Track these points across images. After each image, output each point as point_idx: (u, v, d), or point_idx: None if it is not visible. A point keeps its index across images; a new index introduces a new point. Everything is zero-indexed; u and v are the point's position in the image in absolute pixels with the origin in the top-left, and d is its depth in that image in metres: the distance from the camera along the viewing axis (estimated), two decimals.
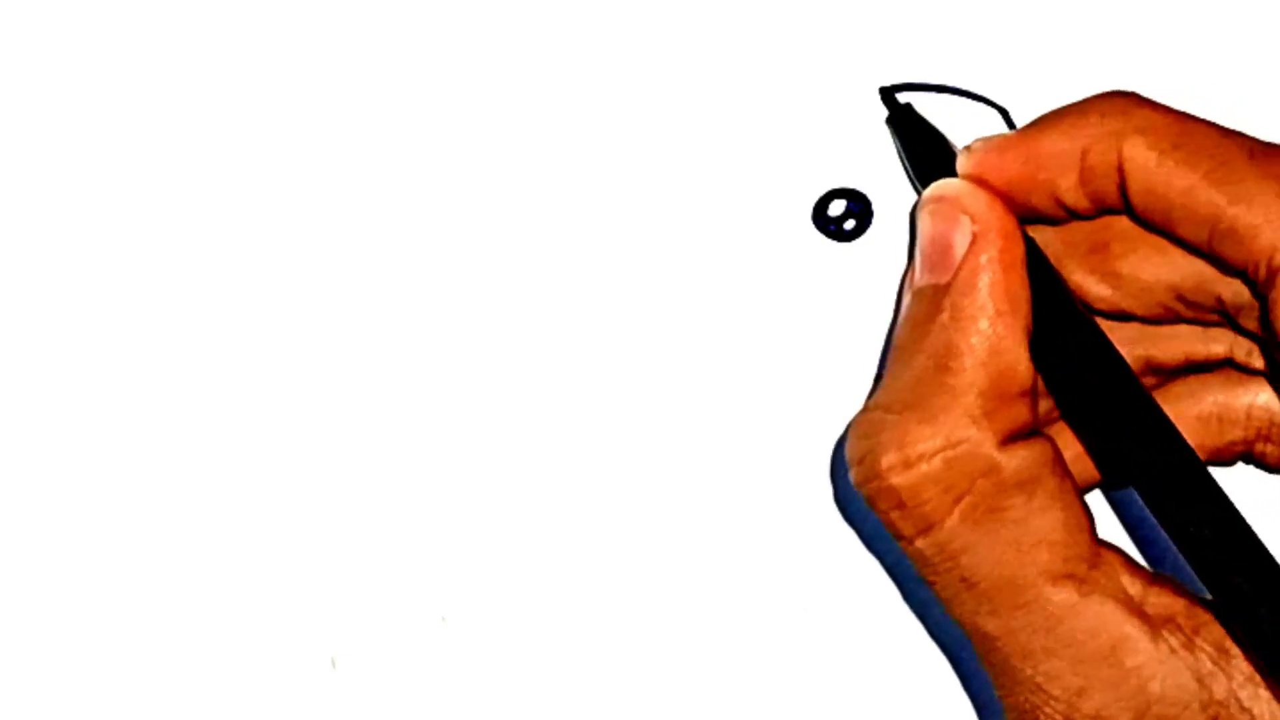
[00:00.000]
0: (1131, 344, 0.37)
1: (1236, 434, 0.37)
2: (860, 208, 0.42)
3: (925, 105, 0.42)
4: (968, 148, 0.36)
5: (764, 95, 0.42)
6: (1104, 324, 0.36)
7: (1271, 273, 0.32)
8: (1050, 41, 0.43)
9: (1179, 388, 0.38)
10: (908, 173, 0.40)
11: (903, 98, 0.40)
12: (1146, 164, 0.33)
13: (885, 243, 0.42)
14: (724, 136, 0.42)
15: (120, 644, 0.40)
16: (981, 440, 0.33)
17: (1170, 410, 0.35)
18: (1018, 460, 0.33)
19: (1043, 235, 0.36)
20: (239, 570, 0.41)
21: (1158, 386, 0.38)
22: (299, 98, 0.42)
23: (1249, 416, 0.37)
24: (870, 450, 0.34)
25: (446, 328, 0.41)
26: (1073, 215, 0.36)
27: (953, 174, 0.36)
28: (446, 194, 0.42)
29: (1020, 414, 0.34)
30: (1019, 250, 0.34)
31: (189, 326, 0.41)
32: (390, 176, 0.42)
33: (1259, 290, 0.32)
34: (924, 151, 0.39)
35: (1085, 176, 0.34)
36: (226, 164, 0.42)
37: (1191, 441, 0.34)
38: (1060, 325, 0.35)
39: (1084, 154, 0.34)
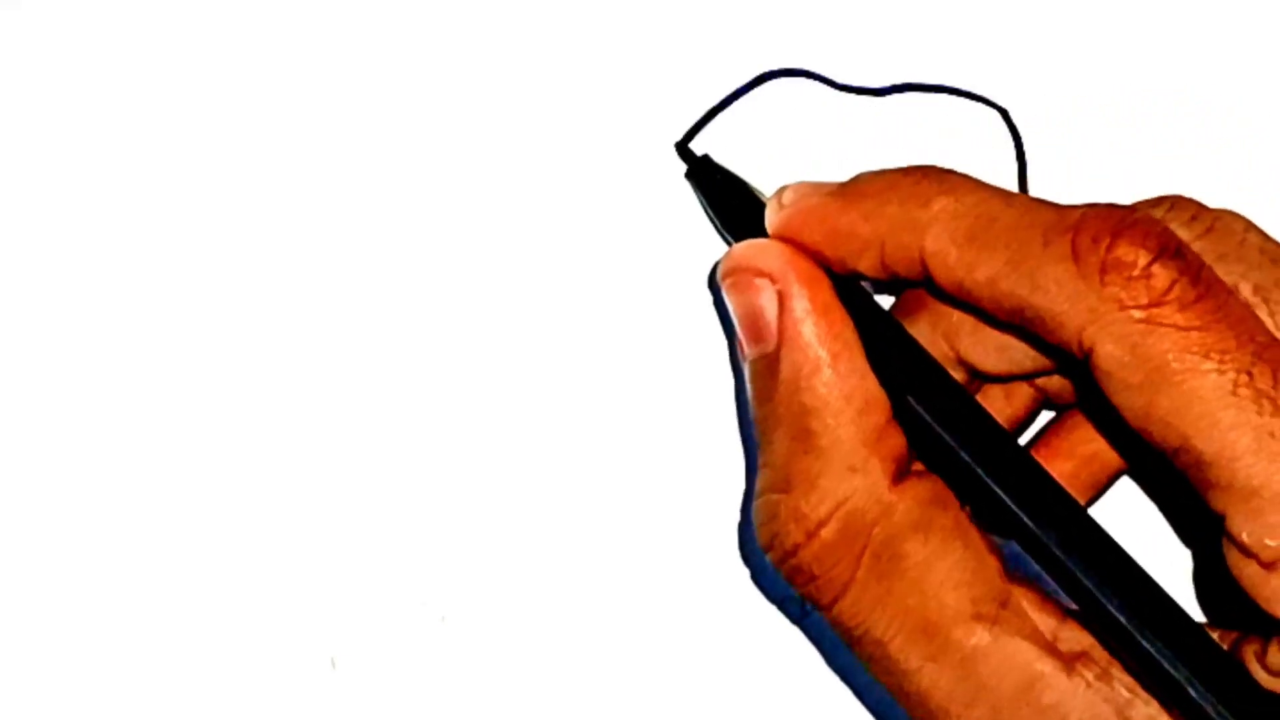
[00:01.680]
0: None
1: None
2: None
3: (926, 107, 0.42)
4: (778, 195, 0.36)
5: (764, 95, 0.42)
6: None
7: (1085, 352, 0.31)
8: (1050, 41, 0.43)
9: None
10: (715, 226, 0.39)
11: (700, 148, 0.39)
12: (946, 258, 0.33)
13: None
14: (724, 136, 0.42)
15: (120, 644, 0.40)
16: (868, 486, 0.33)
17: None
18: (906, 501, 0.33)
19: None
20: (239, 570, 0.41)
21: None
22: (293, 100, 0.42)
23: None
24: (776, 534, 0.34)
25: (446, 329, 0.41)
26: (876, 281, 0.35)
27: (759, 225, 0.36)
28: (445, 194, 0.42)
29: (895, 441, 0.34)
30: (827, 289, 0.34)
31: (188, 328, 0.41)
32: (385, 178, 0.42)
33: (1081, 368, 0.32)
34: (729, 203, 0.38)
35: (885, 261, 0.34)
36: (225, 165, 0.42)
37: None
38: (891, 344, 0.34)
39: (883, 242, 0.34)
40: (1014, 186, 0.42)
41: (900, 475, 0.34)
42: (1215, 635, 0.33)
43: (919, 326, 0.36)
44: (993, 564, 0.33)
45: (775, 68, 0.42)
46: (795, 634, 0.41)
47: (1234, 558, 0.31)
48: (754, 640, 0.41)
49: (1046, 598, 0.34)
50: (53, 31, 0.42)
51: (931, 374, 0.34)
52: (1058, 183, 0.42)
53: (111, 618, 0.40)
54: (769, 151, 0.42)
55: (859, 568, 0.33)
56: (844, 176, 0.42)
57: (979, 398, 0.37)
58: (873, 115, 0.42)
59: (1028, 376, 0.37)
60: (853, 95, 0.42)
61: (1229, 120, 0.42)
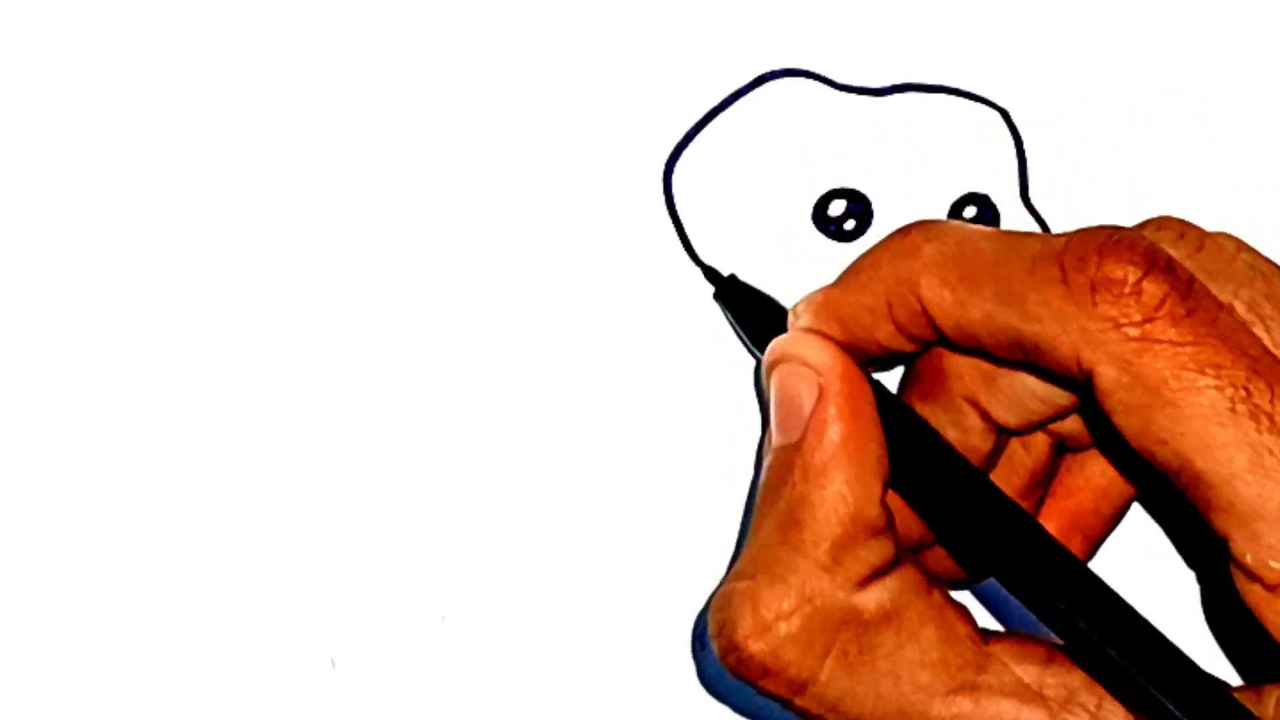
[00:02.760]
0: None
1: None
2: (860, 208, 0.42)
3: (926, 107, 0.42)
4: (793, 310, 0.36)
5: (764, 95, 0.42)
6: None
7: (1085, 374, 0.31)
8: (1050, 42, 0.43)
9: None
10: (742, 341, 0.40)
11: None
12: (943, 303, 0.33)
13: None
14: (725, 136, 0.42)
15: (120, 644, 0.40)
16: (835, 589, 0.33)
17: None
18: (877, 597, 0.33)
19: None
20: (239, 570, 0.41)
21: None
22: (292, 100, 0.42)
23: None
24: (726, 620, 0.33)
25: (446, 329, 0.41)
26: (903, 355, 0.35)
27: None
28: (445, 196, 0.42)
29: (874, 554, 0.33)
30: (865, 396, 0.34)
31: (188, 328, 0.41)
32: (381, 178, 0.42)
33: (1087, 393, 0.32)
34: (757, 319, 0.39)
35: (898, 325, 0.34)
36: (215, 165, 0.42)
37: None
38: (919, 456, 0.35)
39: (889, 308, 0.34)
40: (1014, 186, 0.42)
41: (872, 577, 0.33)
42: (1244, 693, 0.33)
43: (941, 395, 0.36)
44: (964, 631, 0.33)
45: (775, 68, 0.42)
46: None
47: (1240, 582, 0.31)
48: None
49: (1028, 642, 0.34)
50: (53, 31, 0.42)
51: (956, 471, 0.35)
52: (1058, 183, 0.42)
53: (111, 618, 0.40)
54: (769, 151, 0.42)
55: (823, 665, 0.33)
56: (844, 177, 0.42)
57: (1004, 458, 0.37)
58: (873, 115, 0.42)
59: (1049, 421, 0.36)
60: (853, 95, 0.42)
61: (1229, 120, 0.42)
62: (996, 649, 0.33)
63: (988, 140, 0.42)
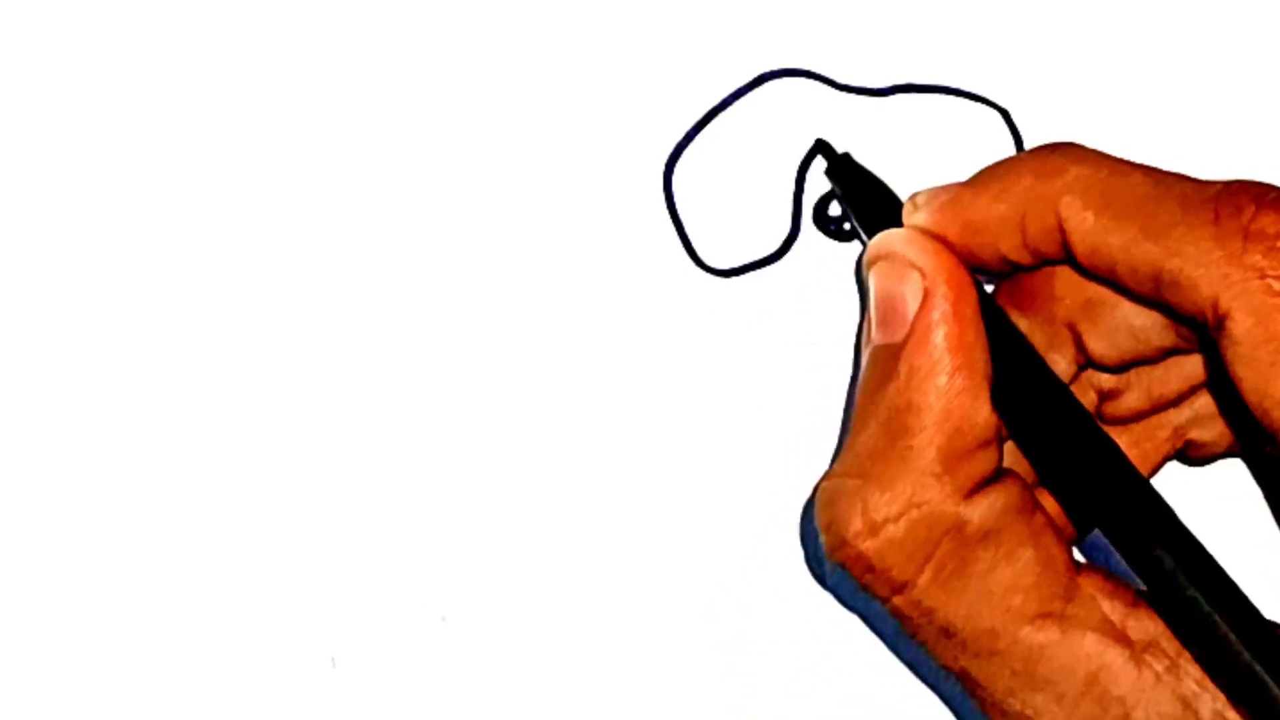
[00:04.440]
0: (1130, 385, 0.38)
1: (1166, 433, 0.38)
2: None
3: (926, 107, 0.42)
4: (912, 200, 0.36)
5: (764, 95, 0.42)
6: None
7: (1218, 318, 0.31)
8: (1050, 41, 0.43)
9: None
10: (851, 223, 0.40)
11: (840, 147, 0.40)
12: (1083, 225, 0.33)
13: None
14: (724, 136, 0.42)
15: (121, 644, 0.40)
16: (943, 499, 0.33)
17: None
18: (981, 512, 0.33)
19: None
20: (239, 570, 0.41)
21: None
22: (286, 101, 0.42)
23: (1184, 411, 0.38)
24: (835, 518, 0.34)
25: (447, 330, 0.41)
26: (1017, 268, 0.36)
27: (898, 224, 0.36)
28: (444, 195, 0.42)
29: (982, 465, 0.33)
30: (972, 302, 0.34)
31: (188, 328, 0.41)
32: (382, 178, 0.42)
33: (1209, 335, 0.32)
34: (867, 201, 0.38)
35: (1026, 239, 0.34)
36: (211, 166, 0.42)
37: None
38: (1017, 372, 0.35)
39: (1022, 219, 0.34)
40: None
41: (978, 488, 0.33)
42: None
43: (1040, 314, 0.37)
44: (1060, 558, 0.33)
45: (775, 68, 0.42)
46: (792, 631, 0.41)
47: None
48: (752, 640, 0.41)
49: (1117, 583, 0.34)
50: (53, 32, 0.42)
51: (1056, 397, 0.35)
52: None
53: (112, 617, 0.40)
54: (770, 151, 0.42)
55: (922, 572, 0.33)
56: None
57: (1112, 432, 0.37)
58: (873, 115, 0.42)
59: (1138, 363, 0.37)
60: (853, 95, 0.42)
61: (1229, 120, 0.42)
62: (1085, 582, 0.33)
63: (988, 140, 0.42)
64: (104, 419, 0.41)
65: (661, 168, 0.42)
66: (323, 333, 0.41)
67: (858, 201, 0.39)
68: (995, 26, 0.42)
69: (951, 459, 0.33)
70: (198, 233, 0.42)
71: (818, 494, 0.34)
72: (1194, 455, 0.38)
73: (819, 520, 0.34)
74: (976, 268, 0.35)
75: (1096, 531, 0.34)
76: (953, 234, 0.35)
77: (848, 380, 0.41)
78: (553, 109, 0.42)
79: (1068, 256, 0.34)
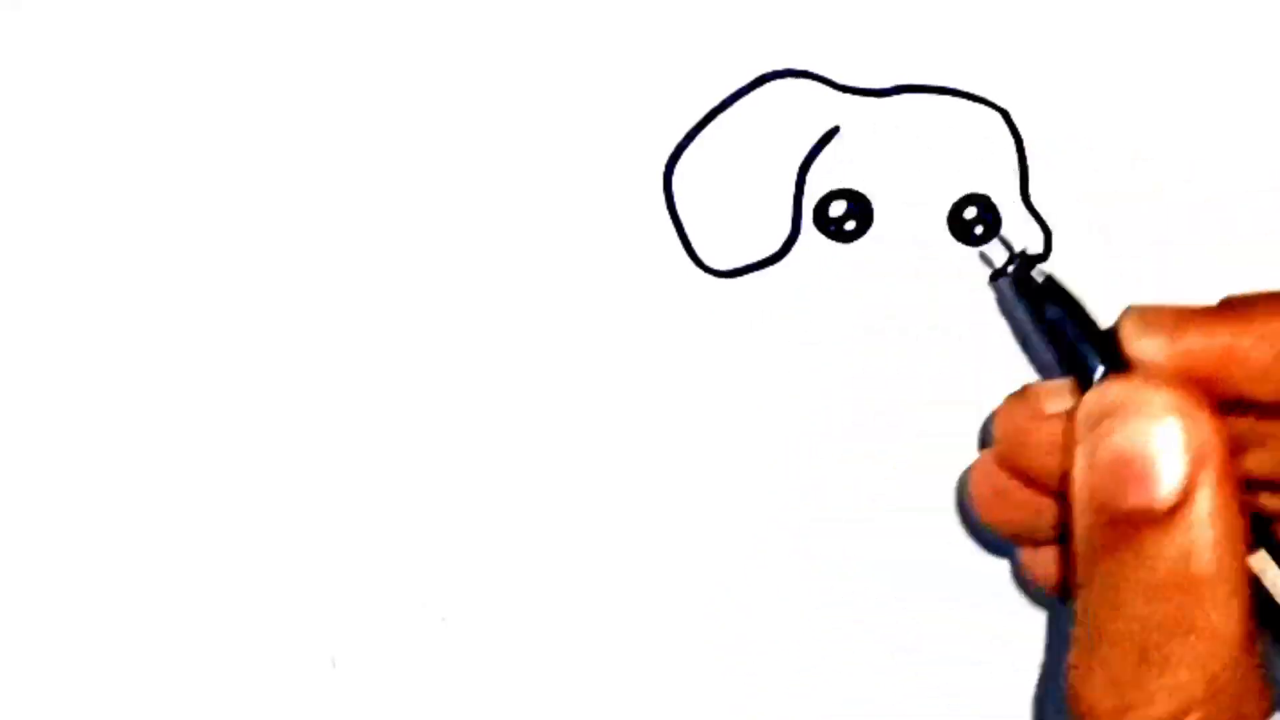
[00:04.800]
0: None
1: None
2: (860, 208, 0.42)
3: (926, 107, 0.42)
4: (1134, 321, 0.31)
5: (764, 95, 0.42)
6: None
7: None
8: (1050, 42, 0.43)
9: None
10: (1042, 341, 0.35)
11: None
12: None
13: (885, 243, 0.42)
14: (724, 137, 0.42)
15: (121, 644, 0.40)
16: (1249, 670, 0.29)
17: None
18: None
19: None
20: (239, 570, 0.41)
21: None
22: (286, 101, 0.42)
23: None
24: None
25: (447, 330, 0.41)
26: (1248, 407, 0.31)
27: (1115, 358, 0.32)
28: (444, 196, 0.42)
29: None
30: (1228, 463, 0.29)
31: (189, 329, 0.41)
32: (382, 178, 0.42)
33: None
34: (1070, 330, 0.33)
35: None
36: (212, 166, 0.42)
37: None
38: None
39: None
40: (1014, 187, 0.42)
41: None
42: None
43: (1262, 452, 0.33)
44: None
45: (775, 68, 0.42)
46: (792, 631, 0.41)
47: None
48: (752, 640, 0.41)
49: None
50: (53, 32, 0.42)
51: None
52: (1058, 183, 0.42)
53: (113, 617, 0.40)
54: (769, 151, 0.42)
55: None
56: (844, 177, 0.42)
57: None
58: (873, 115, 0.42)
59: None
60: (853, 95, 0.42)
61: (1228, 121, 0.42)
62: None
63: (988, 140, 0.42)
64: (104, 420, 0.41)
65: (662, 168, 0.42)
66: (323, 334, 0.41)
67: (1055, 330, 0.34)
68: (995, 27, 0.42)
69: (1245, 631, 0.29)
70: (198, 233, 0.42)
71: (1069, 680, 0.30)
72: None
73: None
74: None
75: None
76: (1203, 369, 0.30)
77: (848, 380, 0.41)
78: (553, 109, 0.42)
79: None
